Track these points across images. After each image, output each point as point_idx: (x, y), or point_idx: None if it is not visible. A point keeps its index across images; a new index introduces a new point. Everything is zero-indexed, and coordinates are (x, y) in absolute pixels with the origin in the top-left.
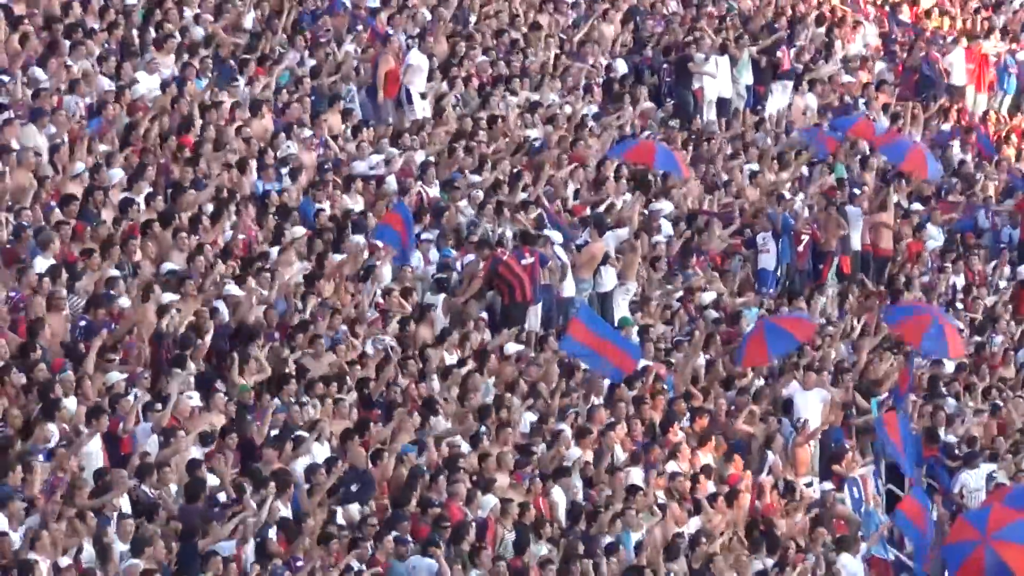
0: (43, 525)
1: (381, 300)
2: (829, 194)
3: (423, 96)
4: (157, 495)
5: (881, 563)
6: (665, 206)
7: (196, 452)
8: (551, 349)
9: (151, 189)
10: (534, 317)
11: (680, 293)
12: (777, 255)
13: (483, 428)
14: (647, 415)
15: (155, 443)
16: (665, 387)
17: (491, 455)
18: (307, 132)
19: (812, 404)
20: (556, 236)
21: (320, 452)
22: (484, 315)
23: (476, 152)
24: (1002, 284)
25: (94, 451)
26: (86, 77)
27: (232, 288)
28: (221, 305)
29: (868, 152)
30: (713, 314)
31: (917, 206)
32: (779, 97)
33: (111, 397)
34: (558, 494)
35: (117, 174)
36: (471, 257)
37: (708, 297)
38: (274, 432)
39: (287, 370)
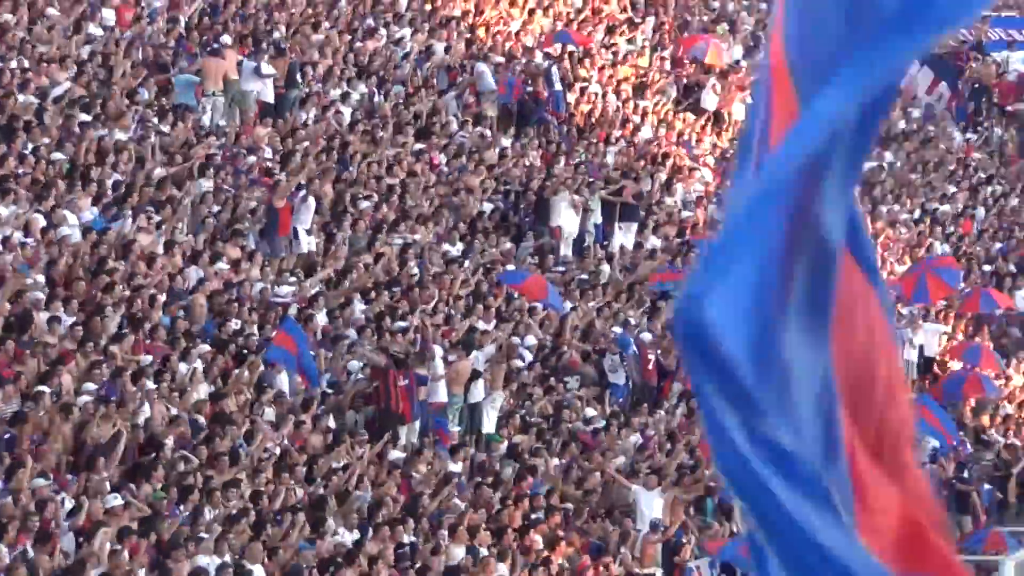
0: None
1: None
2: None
3: (308, 232)
4: None
5: None
6: (529, 339)
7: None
8: (426, 460)
9: (73, 317)
10: (411, 431)
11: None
12: (625, 373)
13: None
14: (512, 516)
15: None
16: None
17: (374, 553)
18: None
19: (655, 503)
20: (438, 351)
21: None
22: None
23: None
24: None
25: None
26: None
27: (145, 406)
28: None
29: None
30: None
31: None
32: (624, 235)
33: (37, 501)
34: None
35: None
36: (360, 376)
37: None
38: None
39: (191, 480)
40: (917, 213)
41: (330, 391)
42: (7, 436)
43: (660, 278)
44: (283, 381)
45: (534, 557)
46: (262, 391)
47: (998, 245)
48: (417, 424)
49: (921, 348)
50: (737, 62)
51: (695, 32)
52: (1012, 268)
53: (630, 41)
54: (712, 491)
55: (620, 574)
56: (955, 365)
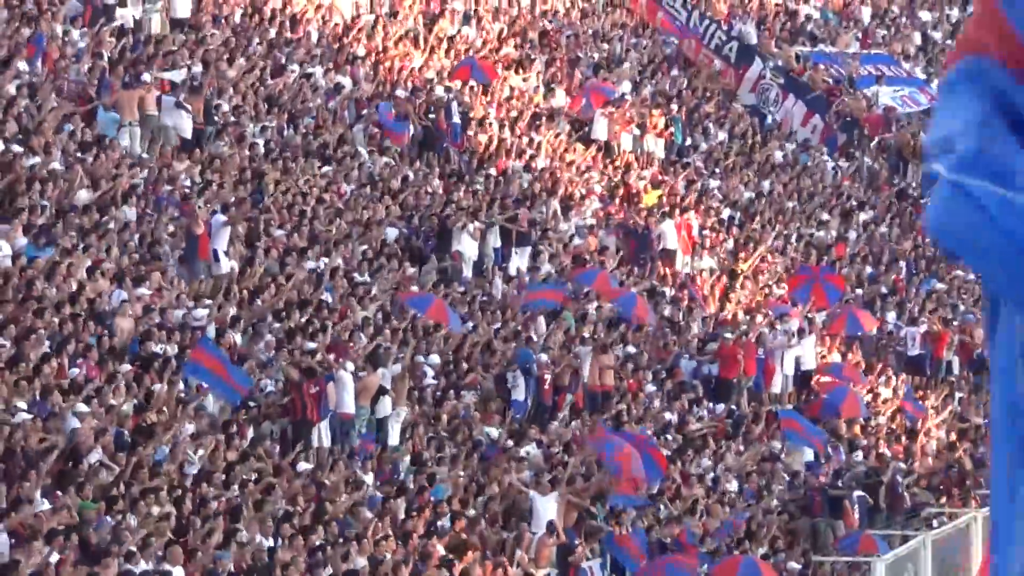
0: None
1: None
2: (567, 340)
3: (227, 254)
4: None
5: None
6: (433, 359)
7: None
8: (339, 471)
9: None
10: (323, 434)
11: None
12: (525, 389)
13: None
14: (416, 525)
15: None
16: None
17: (286, 560)
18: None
19: (549, 507)
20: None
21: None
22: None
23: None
24: (703, 414)
25: None
26: None
27: (73, 419)
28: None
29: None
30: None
31: (631, 349)
32: (520, 258)
33: None
34: None
35: None
36: (271, 388)
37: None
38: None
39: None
40: (794, 238)
41: (252, 404)
42: None
43: (542, 296)
44: (208, 401)
45: (436, 562)
46: (182, 406)
47: (869, 269)
48: (327, 435)
49: (798, 361)
50: (623, 96)
51: (583, 67)
52: (883, 290)
53: (525, 79)
54: (603, 496)
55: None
56: (826, 379)
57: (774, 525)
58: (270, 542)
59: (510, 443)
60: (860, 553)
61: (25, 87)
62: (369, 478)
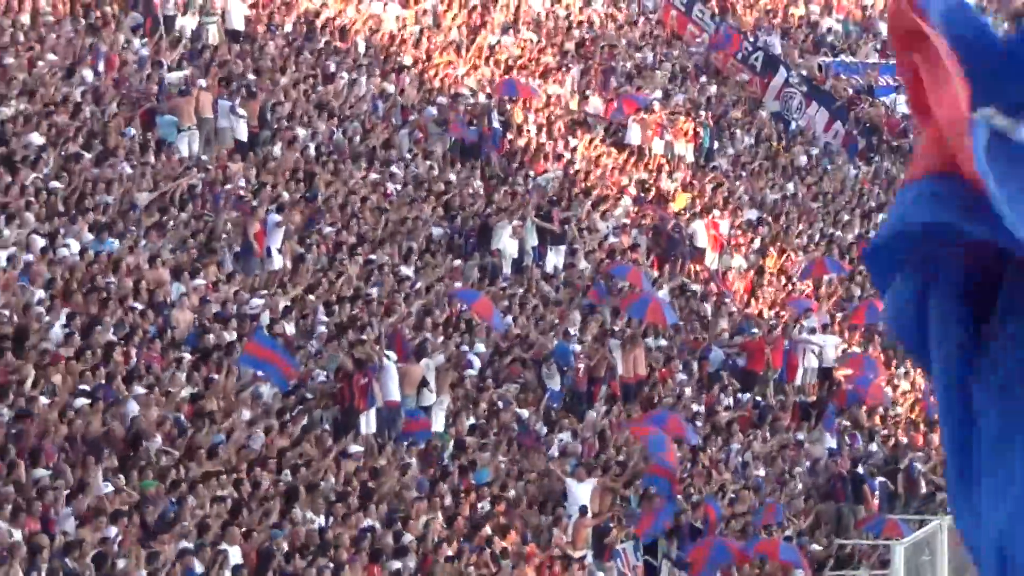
0: None
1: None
2: (601, 332)
3: (280, 251)
4: (76, 567)
5: None
6: (478, 347)
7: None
8: (387, 455)
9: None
10: (369, 422)
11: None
12: (560, 379)
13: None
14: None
15: (72, 524)
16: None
17: (339, 535)
18: (197, 280)
19: (584, 492)
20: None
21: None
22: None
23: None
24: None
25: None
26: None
27: (132, 404)
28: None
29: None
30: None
31: (662, 342)
32: (556, 256)
33: (38, 489)
34: (394, 567)
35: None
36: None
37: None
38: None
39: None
40: (817, 237)
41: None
42: (14, 432)
43: (591, 296)
44: (263, 389)
45: (481, 542)
46: (239, 393)
47: None
48: (374, 421)
49: (821, 355)
50: (655, 102)
51: (618, 76)
52: None
53: (561, 87)
54: (636, 482)
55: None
56: (847, 371)
57: (804, 510)
58: (322, 521)
59: (544, 429)
60: (884, 537)
61: (89, 93)
62: (413, 460)
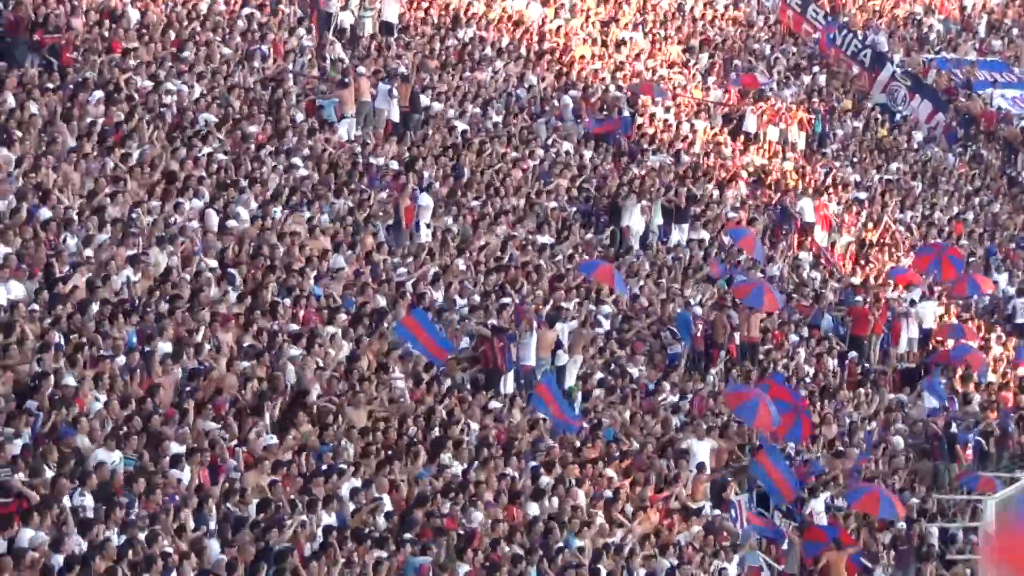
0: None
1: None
2: (720, 301)
3: (428, 227)
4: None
5: (754, 570)
6: (604, 308)
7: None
8: (519, 407)
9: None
10: (508, 383)
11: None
12: (680, 344)
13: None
14: (588, 455)
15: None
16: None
17: (481, 481)
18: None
19: (703, 451)
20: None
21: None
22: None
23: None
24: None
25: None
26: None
27: (292, 361)
28: (289, 372)
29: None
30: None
31: None
32: (680, 233)
33: (209, 440)
34: (533, 509)
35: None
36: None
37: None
38: (324, 467)
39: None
40: (919, 217)
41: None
42: (188, 389)
43: (713, 271)
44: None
45: (608, 485)
46: (389, 354)
47: (986, 244)
48: (512, 381)
49: (920, 323)
50: (770, 90)
51: (740, 69)
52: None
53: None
54: (749, 441)
55: (676, 507)
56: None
57: (900, 467)
58: (464, 466)
59: (665, 389)
60: (979, 492)
61: (259, 82)
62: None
